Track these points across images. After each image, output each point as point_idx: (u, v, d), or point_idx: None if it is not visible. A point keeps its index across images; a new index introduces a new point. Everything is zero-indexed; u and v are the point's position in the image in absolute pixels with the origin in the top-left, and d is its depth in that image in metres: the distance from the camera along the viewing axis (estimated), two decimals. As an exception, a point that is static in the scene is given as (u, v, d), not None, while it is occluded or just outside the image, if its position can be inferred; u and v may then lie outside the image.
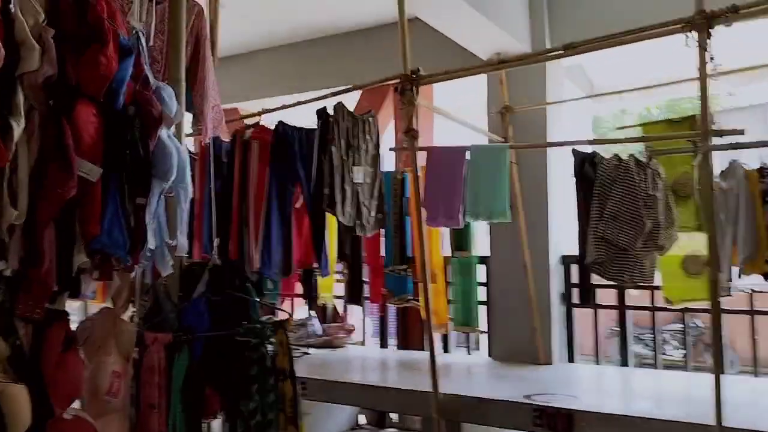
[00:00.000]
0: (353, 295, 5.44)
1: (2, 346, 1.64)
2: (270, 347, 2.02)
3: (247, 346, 2.00)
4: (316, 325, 5.72)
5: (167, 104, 1.97)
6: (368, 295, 5.36)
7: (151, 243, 1.87)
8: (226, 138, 3.87)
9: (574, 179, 3.46)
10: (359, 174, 3.90)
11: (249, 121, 4.39)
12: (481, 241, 5.03)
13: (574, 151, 3.47)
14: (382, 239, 5.15)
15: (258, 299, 2.26)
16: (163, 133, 1.95)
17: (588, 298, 3.85)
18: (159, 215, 1.93)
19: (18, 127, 1.52)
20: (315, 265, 4.32)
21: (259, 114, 4.29)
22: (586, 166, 3.35)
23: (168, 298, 2.15)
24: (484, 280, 5.07)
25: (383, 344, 5.74)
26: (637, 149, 3.76)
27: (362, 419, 5.58)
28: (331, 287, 5.70)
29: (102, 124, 1.74)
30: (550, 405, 3.30)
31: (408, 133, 3.63)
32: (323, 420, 5.15)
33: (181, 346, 2.03)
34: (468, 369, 4.72)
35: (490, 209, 3.50)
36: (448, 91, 6.25)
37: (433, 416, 3.53)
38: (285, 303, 6.29)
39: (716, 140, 3.02)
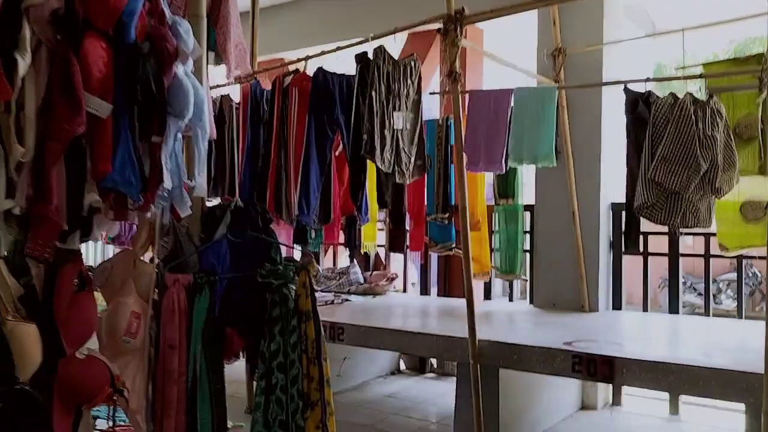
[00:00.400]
0: (395, 243, 5.43)
1: (14, 285, 1.66)
2: (293, 289, 1.99)
3: (269, 288, 1.98)
4: (358, 273, 5.73)
5: (184, 40, 1.91)
6: (410, 244, 5.34)
7: (168, 183, 1.84)
8: (244, 72, 3.83)
9: (626, 119, 3.27)
10: (399, 119, 3.80)
11: (292, 69, 4.29)
12: (526, 189, 4.88)
13: (627, 90, 3.27)
14: (426, 187, 5.09)
15: (278, 242, 2.22)
16: (180, 69, 1.89)
17: (634, 245, 3.67)
18: (176, 155, 1.90)
19: (24, 62, 1.49)
20: (355, 212, 4.26)
21: (301, 60, 4.18)
22: (640, 105, 3.15)
23: (189, 240, 2.14)
24: (529, 228, 4.93)
25: (425, 292, 5.71)
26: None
27: (403, 365, 5.62)
28: (374, 235, 5.69)
29: (112, 58, 1.69)
30: (589, 351, 3.20)
31: (451, 76, 3.48)
32: (364, 364, 5.20)
33: (202, 288, 2.02)
34: (509, 316, 4.65)
35: (534, 153, 3.36)
36: (499, 35, 6.02)
37: (469, 361, 3.49)
38: (328, 251, 6.35)
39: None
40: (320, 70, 3.98)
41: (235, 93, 4.59)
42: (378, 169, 3.93)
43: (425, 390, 5.06)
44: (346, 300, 5.12)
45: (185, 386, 2.00)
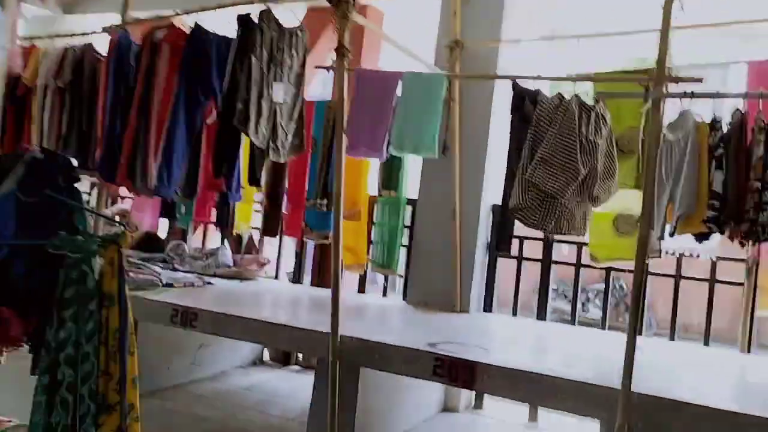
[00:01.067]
0: (268, 227, 5.11)
1: None
2: (96, 266, 1.65)
3: (64, 262, 1.62)
4: (227, 255, 5.36)
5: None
6: (286, 228, 5.06)
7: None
8: None
9: (510, 116, 3.15)
10: (279, 91, 3.50)
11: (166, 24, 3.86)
12: (411, 183, 4.72)
13: (515, 86, 3.15)
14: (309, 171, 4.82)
15: (84, 207, 1.85)
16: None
17: (506, 248, 3.60)
18: None
19: None
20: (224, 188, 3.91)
21: (176, 15, 3.77)
22: (527, 103, 3.04)
23: None
24: (409, 222, 4.78)
25: (297, 280, 5.44)
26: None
27: (267, 355, 5.32)
28: (249, 216, 5.34)
29: None
30: (451, 355, 3.07)
31: (339, 51, 3.21)
32: (223, 352, 4.87)
33: None
34: (379, 312, 4.49)
35: (417, 142, 3.18)
36: (401, 22, 5.84)
37: (328, 358, 3.27)
38: (197, 229, 5.93)
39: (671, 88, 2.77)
40: (198, 26, 3.61)
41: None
42: (251, 144, 3.62)
43: (287, 383, 4.80)
44: (209, 283, 4.74)
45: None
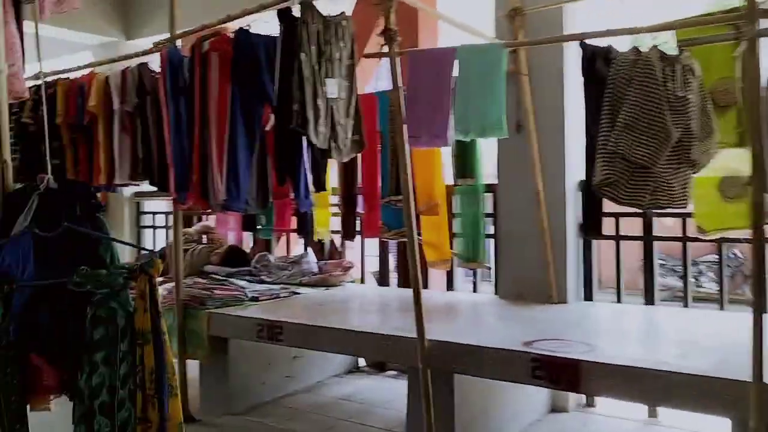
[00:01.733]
0: (346, 230, 4.96)
1: None
2: (127, 301, 1.49)
3: (90, 300, 1.48)
4: (312, 263, 5.26)
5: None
6: (363, 230, 4.89)
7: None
8: (68, 7, 3.46)
9: (583, 80, 2.80)
10: (333, 87, 3.32)
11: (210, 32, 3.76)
12: (487, 167, 4.41)
13: (583, 45, 2.80)
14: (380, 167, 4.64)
15: (109, 236, 1.71)
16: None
17: (594, 230, 3.23)
18: None
19: None
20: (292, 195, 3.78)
21: (222, 22, 3.66)
22: (598, 63, 2.68)
23: None
24: (491, 210, 4.49)
25: (383, 282, 5.25)
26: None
27: (362, 361, 5.17)
28: (327, 221, 5.22)
29: None
30: (551, 353, 2.77)
31: (385, 34, 2.99)
32: (319, 363, 4.75)
33: None
34: (470, 309, 4.21)
35: (482, 123, 2.89)
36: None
37: (418, 366, 3.06)
38: (281, 238, 5.88)
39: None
40: (242, 30, 3.49)
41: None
42: (311, 146, 3.46)
43: (385, 391, 4.61)
44: (294, 293, 4.64)
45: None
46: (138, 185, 4.99)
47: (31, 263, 1.54)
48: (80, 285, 1.44)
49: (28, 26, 3.11)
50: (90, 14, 6.28)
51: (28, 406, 1.54)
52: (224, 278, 4.66)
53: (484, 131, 2.95)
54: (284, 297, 4.51)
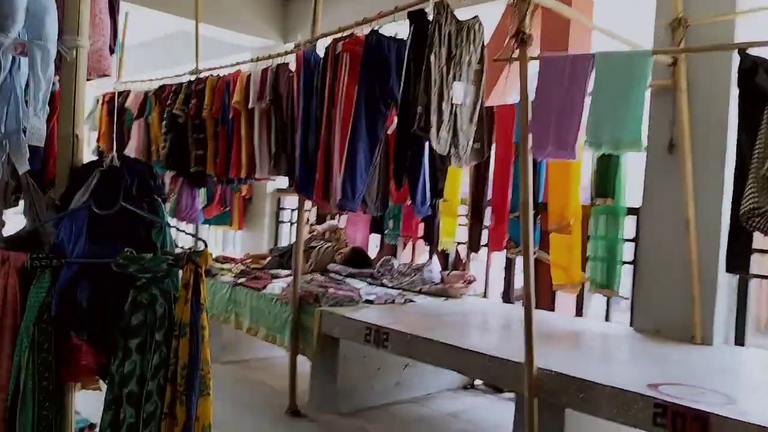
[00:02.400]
0: (471, 241, 4.78)
1: None
2: (172, 288, 1.43)
3: (134, 284, 1.43)
4: (434, 272, 5.13)
5: None
6: (489, 243, 4.68)
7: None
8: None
9: (738, 93, 2.41)
10: (459, 91, 3.16)
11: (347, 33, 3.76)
12: (631, 188, 4.03)
13: (743, 54, 2.41)
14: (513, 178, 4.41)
15: (168, 222, 1.63)
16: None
17: (740, 264, 2.79)
18: (15, 87, 1.40)
19: None
20: (409, 201, 3.67)
21: (358, 24, 3.64)
22: (760, 75, 2.29)
23: (51, 207, 1.61)
24: (631, 235, 4.09)
25: (507, 300, 4.98)
26: None
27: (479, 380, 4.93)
28: (453, 231, 5.06)
29: None
30: (677, 401, 2.42)
31: (517, 37, 2.79)
32: (432, 374, 4.59)
33: (42, 272, 1.47)
34: (597, 339, 3.84)
35: (617, 136, 2.59)
36: (612, 7, 5.13)
37: (524, 394, 2.83)
38: (407, 244, 5.80)
39: None
40: (374, 32, 3.45)
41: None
42: (431, 152, 3.33)
43: (495, 413, 4.36)
44: (411, 301, 4.53)
45: (3, 405, 1.45)
46: (274, 180, 5.14)
47: (83, 240, 1.51)
48: (123, 267, 1.40)
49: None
50: (252, 18, 6.65)
51: (74, 385, 1.53)
52: (342, 278, 4.67)
53: (619, 145, 2.65)
54: (399, 303, 4.42)
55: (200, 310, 1.38)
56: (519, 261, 4.91)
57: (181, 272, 1.42)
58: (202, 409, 1.36)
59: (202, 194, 6.19)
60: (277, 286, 4.47)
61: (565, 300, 4.60)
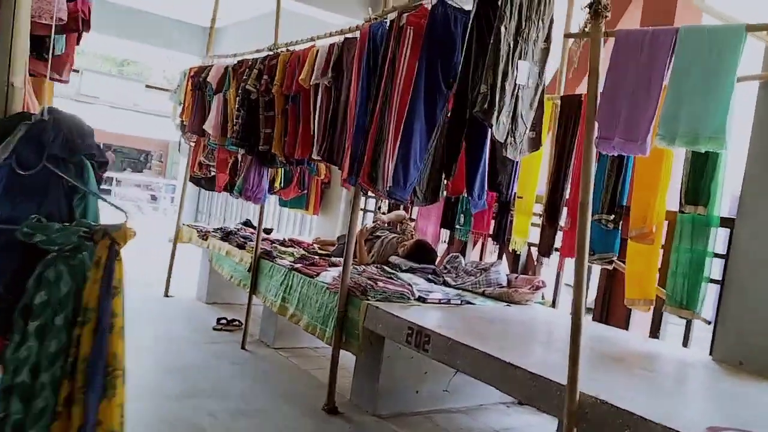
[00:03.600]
0: (542, 244, 4.37)
1: None
2: (85, 265, 1.21)
3: (41, 256, 1.21)
4: (501, 273, 4.76)
5: None
6: (562, 247, 4.27)
7: None
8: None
9: None
10: (524, 71, 2.82)
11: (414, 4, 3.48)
12: (725, 195, 3.50)
13: None
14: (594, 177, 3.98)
15: (95, 191, 1.39)
16: None
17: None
18: None
19: None
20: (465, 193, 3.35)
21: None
22: None
23: None
24: (721, 250, 3.56)
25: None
26: None
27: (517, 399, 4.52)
28: (526, 230, 4.66)
29: None
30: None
31: (591, 7, 2.42)
32: (485, 384, 4.24)
33: None
34: (667, 366, 3.36)
35: (696, 128, 2.16)
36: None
37: (563, 420, 2.48)
38: (477, 242, 5.45)
39: None
40: (441, 2, 3.14)
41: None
42: (491, 139, 3.01)
43: (549, 434, 3.97)
44: (469, 303, 4.20)
45: None
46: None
47: (3, 202, 1.32)
48: (27, 236, 1.19)
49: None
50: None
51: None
52: (396, 272, 4.40)
53: (696, 140, 2.20)
54: (455, 304, 4.11)
55: (111, 294, 1.16)
56: (597, 269, 4.48)
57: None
58: (106, 413, 1.14)
59: (279, 176, 6.13)
60: (329, 275, 4.28)
61: (642, 318, 4.11)
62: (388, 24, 3.51)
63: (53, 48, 1.68)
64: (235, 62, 5.31)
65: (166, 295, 6.35)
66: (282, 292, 4.58)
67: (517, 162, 3.34)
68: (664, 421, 2.25)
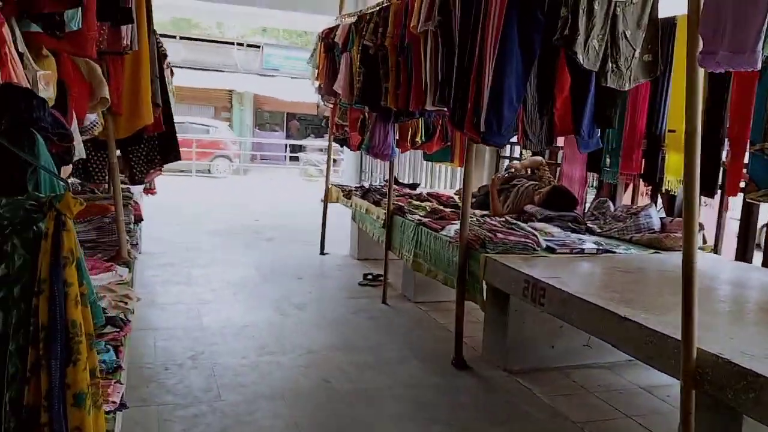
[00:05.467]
0: (702, 182, 3.80)
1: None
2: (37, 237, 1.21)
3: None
4: (653, 217, 4.29)
5: None
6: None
7: None
8: None
9: None
10: (623, -16, 2.44)
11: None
12: None
13: None
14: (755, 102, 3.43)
15: (46, 166, 1.35)
16: None
17: None
18: None
19: None
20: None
21: None
22: None
23: None
24: None
25: (743, 257, 3.93)
26: None
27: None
28: (681, 168, 4.10)
29: None
30: None
31: None
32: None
33: None
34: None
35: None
36: None
37: (680, 383, 2.19)
38: (629, 185, 4.92)
39: None
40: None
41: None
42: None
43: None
44: (608, 251, 3.83)
45: None
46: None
47: None
48: None
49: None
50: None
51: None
52: (515, 222, 4.13)
53: None
54: (590, 254, 3.77)
55: (62, 265, 1.18)
56: (765, 208, 3.85)
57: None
58: (74, 377, 1.18)
59: (420, 129, 6.06)
60: (453, 229, 4.15)
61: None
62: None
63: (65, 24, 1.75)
64: (356, 18, 5.27)
65: (322, 253, 6.65)
66: (413, 247, 4.54)
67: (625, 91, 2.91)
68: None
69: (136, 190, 5.02)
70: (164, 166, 3.75)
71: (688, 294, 2.14)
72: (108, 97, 2.52)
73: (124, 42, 2.85)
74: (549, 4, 2.49)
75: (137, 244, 3.61)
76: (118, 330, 2.27)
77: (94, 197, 3.93)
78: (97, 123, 2.63)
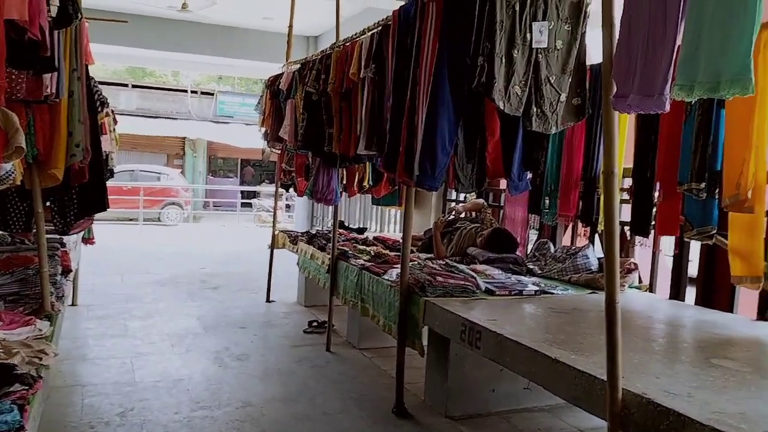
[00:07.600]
0: (634, 222, 3.90)
1: None
2: None
3: None
4: (590, 257, 4.34)
5: None
6: (657, 224, 3.78)
7: None
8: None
9: None
10: (542, 33, 2.51)
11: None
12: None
13: None
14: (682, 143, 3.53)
15: None
16: None
17: None
18: None
19: None
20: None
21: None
22: None
23: None
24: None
25: (676, 295, 4.01)
26: None
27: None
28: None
29: None
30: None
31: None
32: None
33: None
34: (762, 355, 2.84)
35: (717, 68, 1.75)
36: None
37: (606, 423, 2.18)
38: (568, 226, 5.01)
39: None
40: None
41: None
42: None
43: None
44: (545, 292, 3.85)
45: None
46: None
47: None
48: None
49: None
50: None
51: None
52: (455, 265, 4.13)
53: (717, 84, 1.75)
54: (527, 295, 3.78)
55: None
56: (696, 246, 3.94)
57: None
58: None
59: (367, 174, 6.07)
60: (395, 273, 4.13)
61: (752, 298, 3.55)
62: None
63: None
64: (299, 66, 5.32)
65: (268, 301, 6.52)
66: (359, 292, 4.49)
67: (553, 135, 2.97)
68: (708, 419, 1.88)
69: (71, 239, 4.86)
70: (94, 216, 3.64)
71: (612, 335, 2.16)
72: (24, 146, 2.44)
73: (48, 90, 2.79)
74: (473, 51, 2.52)
75: (63, 296, 3.46)
76: (27, 388, 2.15)
77: (20, 248, 3.79)
78: (13, 172, 2.54)
